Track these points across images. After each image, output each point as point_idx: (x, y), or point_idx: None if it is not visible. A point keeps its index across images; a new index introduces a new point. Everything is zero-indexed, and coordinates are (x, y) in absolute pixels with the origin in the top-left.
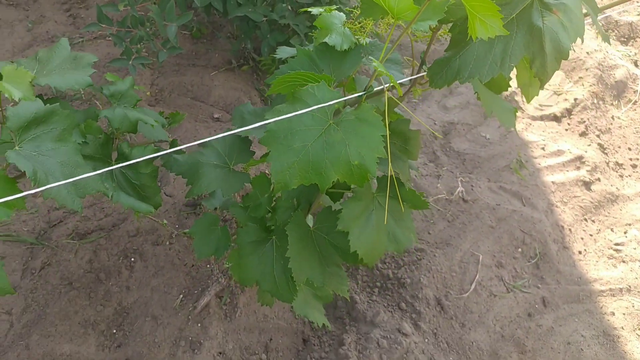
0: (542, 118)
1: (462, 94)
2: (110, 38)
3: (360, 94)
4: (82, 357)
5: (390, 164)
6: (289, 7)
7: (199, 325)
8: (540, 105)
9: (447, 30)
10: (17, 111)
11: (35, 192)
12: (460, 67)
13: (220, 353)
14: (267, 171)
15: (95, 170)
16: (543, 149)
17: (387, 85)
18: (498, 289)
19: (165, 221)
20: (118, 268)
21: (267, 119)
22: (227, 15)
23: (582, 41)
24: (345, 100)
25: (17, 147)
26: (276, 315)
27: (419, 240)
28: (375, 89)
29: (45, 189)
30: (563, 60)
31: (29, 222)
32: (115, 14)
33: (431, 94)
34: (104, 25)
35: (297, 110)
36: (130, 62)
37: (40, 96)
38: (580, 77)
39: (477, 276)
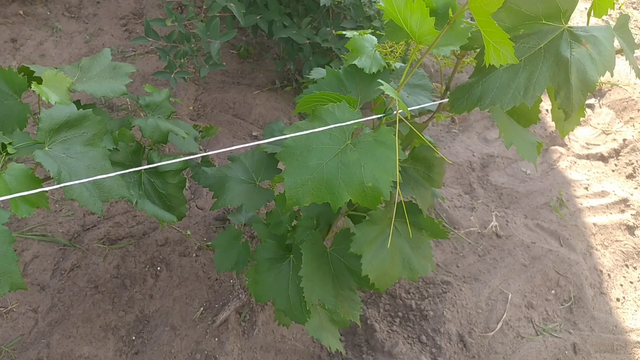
0: (588, 157)
1: None
2: None
3: (379, 116)
4: None
5: (399, 188)
6: (333, 31)
7: (216, 339)
8: (587, 143)
9: (474, 58)
10: (50, 113)
11: (58, 192)
12: (483, 94)
13: None
14: None
15: (123, 176)
16: (586, 188)
17: (399, 110)
18: (526, 331)
19: (189, 232)
20: (144, 276)
21: (286, 135)
22: (272, 36)
23: (612, 75)
24: (364, 121)
25: (46, 148)
26: (294, 337)
27: (446, 272)
28: (393, 112)
29: (68, 190)
30: (615, 100)
31: (65, 224)
32: (163, 29)
33: (472, 125)
34: (151, 39)
35: (316, 128)
36: (172, 76)
37: (77, 102)
38: (631, 118)
39: (505, 315)
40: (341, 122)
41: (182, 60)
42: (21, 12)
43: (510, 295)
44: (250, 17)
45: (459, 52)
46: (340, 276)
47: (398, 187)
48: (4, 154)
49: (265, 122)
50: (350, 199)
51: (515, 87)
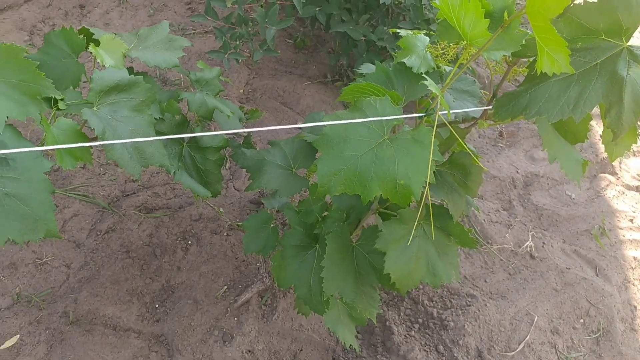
0: (637, 189)
1: None
2: None
3: (420, 115)
4: (121, 323)
5: (430, 190)
6: (389, 31)
7: (236, 319)
8: (639, 175)
9: (526, 67)
10: (102, 75)
11: (103, 155)
12: (530, 103)
13: (249, 351)
14: None
15: (165, 146)
16: (631, 221)
17: (440, 109)
18: (548, 356)
19: (222, 210)
20: (174, 247)
21: (325, 122)
22: (329, 29)
23: None
24: (404, 118)
25: (95, 108)
26: (311, 327)
27: (472, 285)
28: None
29: (110, 150)
30: None
31: (106, 188)
32: (224, 11)
33: (520, 141)
34: (210, 18)
35: (355, 119)
36: (225, 56)
37: (130, 68)
38: None
39: (528, 337)
40: (381, 117)
41: (237, 43)
42: None
43: (536, 317)
44: (310, 8)
45: (510, 59)
46: (362, 272)
47: (427, 187)
48: (55, 108)
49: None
50: (381, 194)
51: (565, 100)
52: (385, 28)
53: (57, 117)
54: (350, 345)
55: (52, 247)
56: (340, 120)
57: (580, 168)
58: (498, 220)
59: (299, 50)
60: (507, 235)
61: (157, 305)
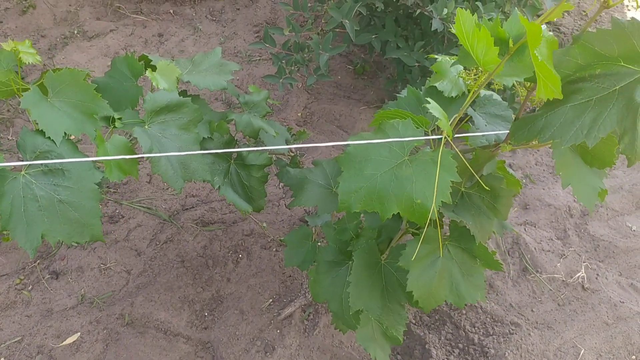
0: None
1: (617, 177)
2: None
3: (439, 137)
4: (172, 327)
5: (453, 212)
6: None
7: (278, 331)
8: None
9: None
10: (154, 97)
11: (145, 163)
12: (544, 127)
13: None
14: None
15: (213, 162)
16: None
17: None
18: None
19: (264, 224)
20: (225, 260)
21: (349, 142)
22: (384, 55)
23: None
24: (424, 140)
25: (146, 126)
26: (351, 345)
27: (518, 314)
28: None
29: (155, 164)
30: None
31: (168, 202)
32: (282, 38)
33: None
34: (267, 45)
35: (378, 139)
36: (280, 80)
37: (183, 91)
38: None
39: None
40: (402, 138)
41: (293, 68)
42: (171, 11)
43: (582, 351)
44: (365, 36)
45: (529, 85)
46: (390, 289)
47: (446, 207)
48: (112, 126)
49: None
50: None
51: (579, 125)
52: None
53: (112, 134)
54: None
55: (115, 254)
56: (363, 140)
57: (596, 195)
58: (550, 249)
59: (358, 76)
60: (558, 264)
61: (206, 314)
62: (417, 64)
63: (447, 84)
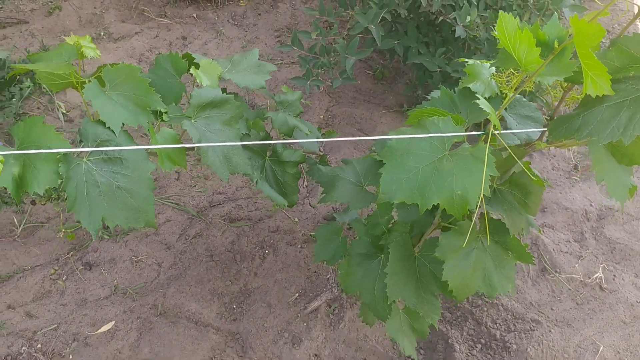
0: None
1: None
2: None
3: (478, 133)
4: (202, 318)
5: (487, 205)
6: (461, 61)
7: (305, 324)
8: None
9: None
10: (200, 93)
11: (195, 170)
12: (581, 126)
13: (316, 355)
14: None
15: (250, 158)
16: None
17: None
18: None
19: (297, 219)
20: (252, 255)
21: (390, 136)
22: (406, 60)
23: None
24: (464, 136)
25: (192, 120)
26: (375, 339)
27: (538, 312)
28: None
29: (205, 155)
30: None
31: (196, 198)
32: (308, 42)
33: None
34: (295, 48)
35: (419, 135)
36: (307, 82)
37: (223, 89)
38: None
39: None
40: (442, 134)
41: (319, 71)
42: (194, 15)
43: (602, 347)
44: (388, 41)
45: (565, 85)
46: (423, 280)
47: (482, 201)
48: (160, 119)
49: None
50: (438, 205)
51: (615, 123)
52: (459, 61)
53: (160, 127)
54: (410, 356)
55: (146, 247)
56: (404, 135)
57: (627, 192)
58: (568, 250)
59: (377, 81)
60: (576, 265)
61: (234, 306)
62: (438, 69)
63: (480, 85)
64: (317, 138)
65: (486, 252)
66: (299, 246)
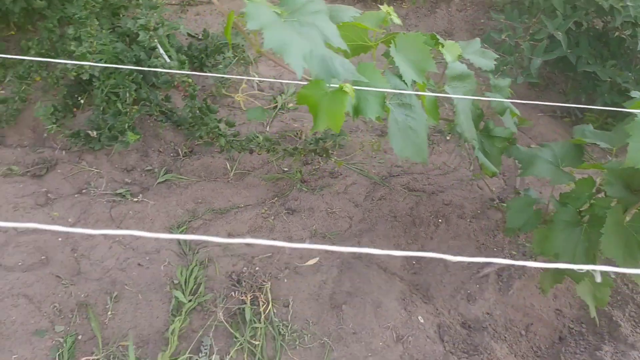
0: None
1: None
2: None
3: None
4: (390, 267)
5: None
6: (633, 77)
7: (478, 286)
8: None
9: None
10: (453, 66)
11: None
12: None
13: (488, 313)
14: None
15: None
16: None
17: None
18: None
19: (493, 188)
20: (428, 222)
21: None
22: (577, 68)
23: None
24: None
25: (445, 86)
26: (541, 308)
27: None
28: None
29: (457, 114)
30: None
31: (377, 168)
32: (498, 40)
33: None
34: (486, 46)
35: None
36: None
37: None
38: None
39: None
40: None
41: (504, 68)
42: None
43: None
44: (560, 49)
45: None
46: (630, 245)
47: None
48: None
49: (543, 139)
50: None
51: None
52: (630, 74)
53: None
54: (578, 326)
55: (339, 202)
56: None
57: None
58: None
59: (531, 87)
60: None
61: (414, 262)
62: (609, 79)
63: None
64: (515, 123)
65: None
66: (469, 220)
